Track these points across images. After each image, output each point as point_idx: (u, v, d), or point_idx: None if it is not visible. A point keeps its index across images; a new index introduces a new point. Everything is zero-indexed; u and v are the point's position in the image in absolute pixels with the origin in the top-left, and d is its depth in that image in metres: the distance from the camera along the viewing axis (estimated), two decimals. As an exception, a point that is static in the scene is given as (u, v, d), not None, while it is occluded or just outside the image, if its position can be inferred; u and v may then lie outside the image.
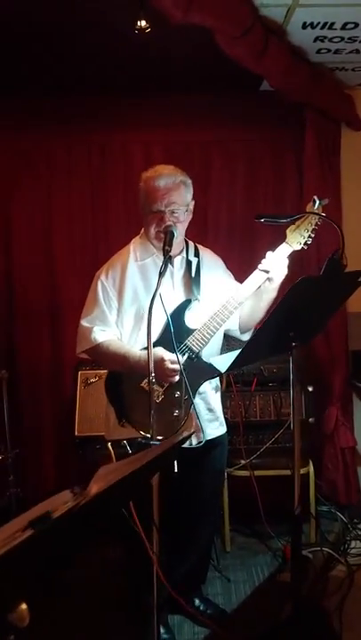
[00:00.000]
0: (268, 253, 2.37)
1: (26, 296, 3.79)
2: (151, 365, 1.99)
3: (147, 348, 2.26)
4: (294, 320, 2.10)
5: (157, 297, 2.17)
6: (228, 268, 2.65)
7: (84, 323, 2.43)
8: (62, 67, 3.31)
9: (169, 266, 2.41)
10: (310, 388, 3.41)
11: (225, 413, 3.33)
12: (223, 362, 2.22)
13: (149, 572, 2.03)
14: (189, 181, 2.41)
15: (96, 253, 3.68)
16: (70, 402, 3.55)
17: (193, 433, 2.33)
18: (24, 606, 0.92)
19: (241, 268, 2.53)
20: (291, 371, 2.23)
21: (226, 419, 3.31)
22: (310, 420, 3.39)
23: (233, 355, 2.13)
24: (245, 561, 3.23)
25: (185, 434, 1.56)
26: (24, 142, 3.72)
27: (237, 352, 2.09)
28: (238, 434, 3.31)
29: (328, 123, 3.48)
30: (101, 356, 2.43)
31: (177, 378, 2.30)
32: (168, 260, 2.23)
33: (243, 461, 3.23)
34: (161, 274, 2.16)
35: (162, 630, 2.48)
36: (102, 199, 3.79)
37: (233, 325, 2.55)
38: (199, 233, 3.76)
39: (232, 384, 3.37)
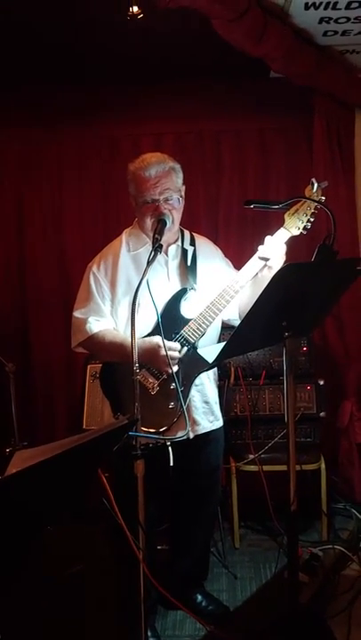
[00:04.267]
0: (267, 238, 2.30)
1: (38, 288, 3.82)
2: (135, 356, 1.95)
3: (144, 337, 2.26)
4: (285, 309, 2.02)
5: (146, 286, 2.14)
6: (240, 257, 2.57)
7: (78, 314, 2.41)
8: (71, 59, 3.29)
9: (163, 255, 2.39)
10: (321, 382, 3.31)
11: (234, 407, 3.31)
12: (212, 352, 2.17)
13: (137, 571, 1.99)
14: (178, 166, 2.36)
15: (107, 245, 3.66)
16: (81, 395, 3.55)
17: (187, 433, 2.28)
18: None
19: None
20: (284, 362, 2.15)
21: (235, 412, 3.31)
22: (321, 414, 3.30)
23: (221, 345, 2.08)
24: (254, 558, 3.17)
25: (124, 421, 1.50)
26: (35, 135, 3.73)
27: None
28: (247, 428, 3.24)
29: (339, 107, 3.38)
30: (97, 346, 2.40)
31: (175, 368, 2.26)
32: (158, 248, 2.18)
33: (251, 456, 3.17)
34: (149, 262, 2.12)
35: (149, 634, 2.43)
36: (113, 190, 3.77)
37: (233, 315, 2.49)
38: (211, 223, 3.75)
39: (240, 378, 3.31)
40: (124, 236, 2.47)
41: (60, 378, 3.86)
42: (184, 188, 2.39)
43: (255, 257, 2.30)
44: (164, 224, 2.27)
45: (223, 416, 2.62)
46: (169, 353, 2.20)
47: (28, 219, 3.81)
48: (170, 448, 2.21)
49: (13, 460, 0.94)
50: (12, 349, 3.54)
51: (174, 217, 2.35)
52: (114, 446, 1.32)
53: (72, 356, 3.79)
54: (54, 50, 3.18)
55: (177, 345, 2.25)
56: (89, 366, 3.50)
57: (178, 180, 2.35)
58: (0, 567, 0.97)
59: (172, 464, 2.21)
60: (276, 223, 3.49)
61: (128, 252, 2.41)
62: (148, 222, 2.34)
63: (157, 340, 2.23)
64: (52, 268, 3.82)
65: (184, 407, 2.21)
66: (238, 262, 2.49)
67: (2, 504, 0.87)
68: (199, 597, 2.70)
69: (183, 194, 2.38)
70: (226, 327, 2.55)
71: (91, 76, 3.52)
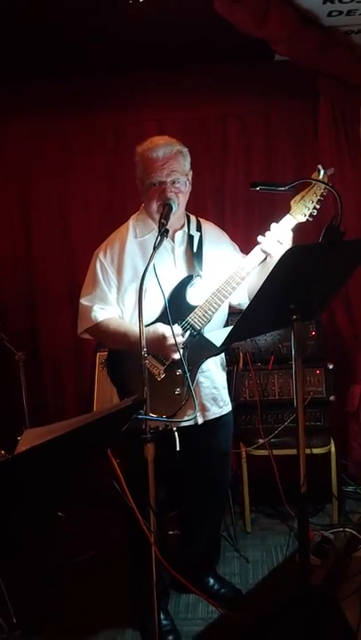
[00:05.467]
0: (273, 225, 2.29)
1: (45, 278, 3.84)
2: (143, 342, 1.95)
3: (149, 325, 2.26)
4: (292, 292, 2.01)
5: (152, 272, 2.14)
6: (246, 243, 2.56)
7: (84, 302, 2.42)
8: (72, 47, 3.28)
9: (169, 241, 2.38)
10: (331, 366, 3.30)
11: (243, 392, 3.31)
12: (219, 337, 2.17)
13: (149, 555, 2.00)
14: (186, 150, 2.35)
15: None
16: (91, 383, 3.57)
17: (195, 415, 2.28)
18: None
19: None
20: (292, 345, 2.15)
21: (244, 398, 3.31)
22: (331, 398, 3.29)
23: (229, 329, 2.08)
24: (266, 541, 3.19)
25: (135, 400, 1.51)
26: (38, 124, 3.73)
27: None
28: (256, 413, 3.25)
29: (344, 90, 3.34)
30: (102, 334, 2.41)
31: (177, 356, 2.26)
32: (164, 233, 2.18)
33: (261, 441, 3.17)
34: (155, 247, 2.12)
35: (161, 617, 2.45)
36: (118, 178, 3.76)
37: (242, 299, 2.48)
38: (217, 207, 3.74)
39: (249, 363, 3.31)
40: (130, 222, 2.46)
41: (69, 366, 3.89)
42: (191, 172, 2.38)
43: (258, 247, 2.29)
44: (170, 208, 2.26)
45: (232, 401, 2.62)
46: (173, 340, 2.21)
47: (33, 208, 3.83)
48: (176, 433, 2.21)
49: (23, 439, 0.95)
50: (21, 339, 3.56)
51: (180, 201, 2.34)
52: (122, 427, 1.33)
53: (81, 344, 3.81)
54: (56, 39, 3.16)
55: (180, 330, 2.25)
56: (98, 354, 3.51)
57: (185, 163, 2.34)
58: (7, 548, 0.98)
59: (178, 449, 2.22)
60: (282, 207, 3.49)
61: (135, 238, 2.41)
62: (155, 206, 2.33)
63: (162, 327, 2.24)
64: (59, 256, 3.83)
65: (192, 389, 2.21)
66: (245, 247, 2.48)
67: (12, 482, 0.88)
68: (211, 581, 2.72)
69: (190, 178, 2.37)
70: (234, 312, 2.55)
71: (92, 64, 3.50)
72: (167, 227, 2.22)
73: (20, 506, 0.94)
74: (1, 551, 1.03)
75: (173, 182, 2.29)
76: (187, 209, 2.47)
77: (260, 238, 2.27)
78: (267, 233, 2.29)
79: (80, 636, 2.53)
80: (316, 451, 3.12)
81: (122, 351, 2.37)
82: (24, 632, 2.50)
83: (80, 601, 2.76)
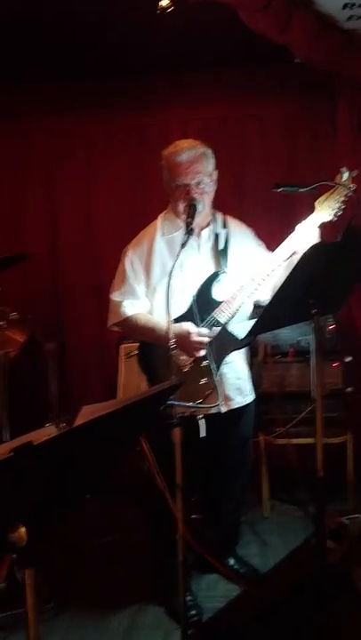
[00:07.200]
0: (298, 226, 2.40)
1: (70, 273, 4.01)
2: (171, 333, 2.10)
3: (176, 321, 2.40)
4: (313, 288, 2.14)
5: (179, 269, 2.27)
6: (266, 243, 2.67)
7: (114, 297, 2.56)
8: (98, 51, 3.40)
9: (195, 238, 2.50)
10: (348, 359, 3.42)
11: (261, 384, 3.44)
12: (242, 330, 2.29)
13: (175, 534, 2.13)
14: (210, 152, 2.47)
15: (136, 231, 3.80)
16: (115, 373, 3.71)
17: (217, 404, 2.41)
18: (23, 529, 1.06)
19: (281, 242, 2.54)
20: (312, 339, 2.27)
21: (263, 389, 3.43)
22: (348, 389, 3.41)
23: (252, 323, 2.20)
24: (283, 526, 3.32)
25: (174, 382, 1.65)
26: (64, 125, 3.88)
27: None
28: (275, 404, 3.37)
29: (362, 91, 3.43)
30: (131, 328, 2.56)
31: (203, 352, 2.40)
32: (190, 232, 2.31)
33: (279, 430, 3.30)
34: (183, 245, 2.25)
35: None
36: (141, 177, 3.89)
37: (266, 297, 2.60)
38: (237, 208, 3.83)
39: (269, 355, 3.43)
40: (159, 221, 2.59)
41: (93, 357, 4.04)
42: (216, 172, 2.50)
43: (284, 244, 2.39)
44: (195, 209, 2.39)
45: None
46: (198, 338, 2.35)
47: (59, 205, 3.98)
48: (201, 421, 2.35)
49: (80, 414, 1.10)
50: (48, 330, 3.71)
51: (205, 201, 2.47)
52: (160, 408, 1.47)
53: (105, 336, 3.97)
54: (85, 41, 3.28)
55: (206, 330, 2.37)
56: (122, 346, 3.65)
57: (209, 164, 2.46)
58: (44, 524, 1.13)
59: (203, 434, 2.36)
60: (302, 207, 3.59)
61: (162, 236, 2.54)
62: (181, 207, 2.46)
63: (188, 326, 2.37)
64: (84, 253, 3.99)
65: (216, 381, 2.35)
66: (266, 247, 2.62)
67: (71, 452, 1.02)
68: (231, 561, 2.86)
69: (215, 178, 2.49)
70: (258, 307, 2.67)
71: (117, 67, 3.63)
72: (193, 225, 2.35)
73: (76, 473, 1.08)
74: (52, 519, 1.17)
75: (198, 184, 2.41)
76: (212, 207, 2.60)
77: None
78: (292, 234, 2.40)
79: (107, 610, 2.68)
80: (332, 440, 3.24)
81: (151, 343, 2.51)
82: (55, 605, 2.67)
83: (105, 579, 2.91)
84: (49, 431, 1.03)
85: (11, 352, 3.15)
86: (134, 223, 3.88)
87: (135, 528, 3.16)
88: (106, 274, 3.92)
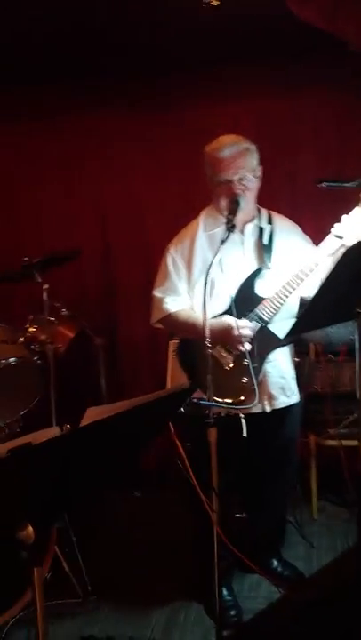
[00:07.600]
0: (344, 217, 2.34)
1: (123, 272, 4.05)
2: (207, 331, 2.08)
3: (216, 317, 2.38)
4: (357, 285, 2.06)
5: (218, 266, 2.24)
6: (317, 236, 2.58)
7: (157, 294, 2.57)
8: (148, 48, 3.42)
9: (239, 234, 2.48)
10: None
11: (314, 383, 3.36)
12: (284, 329, 2.24)
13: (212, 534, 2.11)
14: (253, 147, 2.43)
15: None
16: (165, 368, 3.72)
17: (255, 404, 2.37)
18: (30, 528, 1.07)
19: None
20: (357, 338, 2.20)
21: (314, 388, 3.35)
22: None
23: (293, 322, 2.16)
24: (332, 529, 3.24)
25: (187, 385, 1.62)
26: (117, 123, 3.89)
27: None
28: (326, 404, 3.29)
29: None
30: (173, 324, 2.56)
31: (247, 346, 2.36)
32: (231, 228, 2.28)
33: (330, 431, 3.22)
34: (223, 241, 2.23)
35: (225, 593, 2.58)
36: (194, 175, 3.85)
37: (313, 292, 2.53)
38: (289, 202, 3.76)
39: (320, 354, 3.35)
40: (201, 217, 2.58)
41: (145, 354, 4.07)
42: (260, 168, 2.46)
43: (331, 235, 2.34)
44: (237, 204, 2.36)
45: (301, 391, 2.68)
46: (241, 331, 2.31)
47: (110, 204, 4.02)
48: (243, 420, 2.31)
49: (85, 416, 1.10)
50: (100, 327, 3.77)
51: (248, 197, 2.43)
52: (176, 409, 1.46)
53: (156, 332, 3.98)
54: (133, 38, 3.31)
55: (247, 322, 2.34)
56: (171, 342, 3.65)
57: (252, 160, 2.42)
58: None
59: (245, 434, 2.32)
60: (354, 201, 3.48)
61: (204, 231, 2.53)
62: (223, 203, 2.43)
63: (229, 319, 2.34)
64: (135, 250, 4.00)
65: (255, 383, 2.31)
66: (316, 241, 2.53)
67: (73, 453, 1.03)
68: (275, 562, 2.82)
69: (259, 174, 2.45)
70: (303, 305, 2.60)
71: (164, 63, 3.63)
72: (235, 222, 2.32)
73: (81, 474, 1.09)
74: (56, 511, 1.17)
75: (240, 180, 2.38)
76: (259, 202, 2.55)
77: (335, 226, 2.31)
78: (336, 224, 2.33)
79: (149, 605, 2.70)
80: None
81: (191, 340, 2.50)
82: (98, 599, 2.71)
83: (149, 574, 2.93)
84: (53, 432, 1.04)
85: (60, 347, 3.21)
86: (186, 221, 3.93)
87: (182, 525, 3.16)
88: (156, 272, 3.99)
